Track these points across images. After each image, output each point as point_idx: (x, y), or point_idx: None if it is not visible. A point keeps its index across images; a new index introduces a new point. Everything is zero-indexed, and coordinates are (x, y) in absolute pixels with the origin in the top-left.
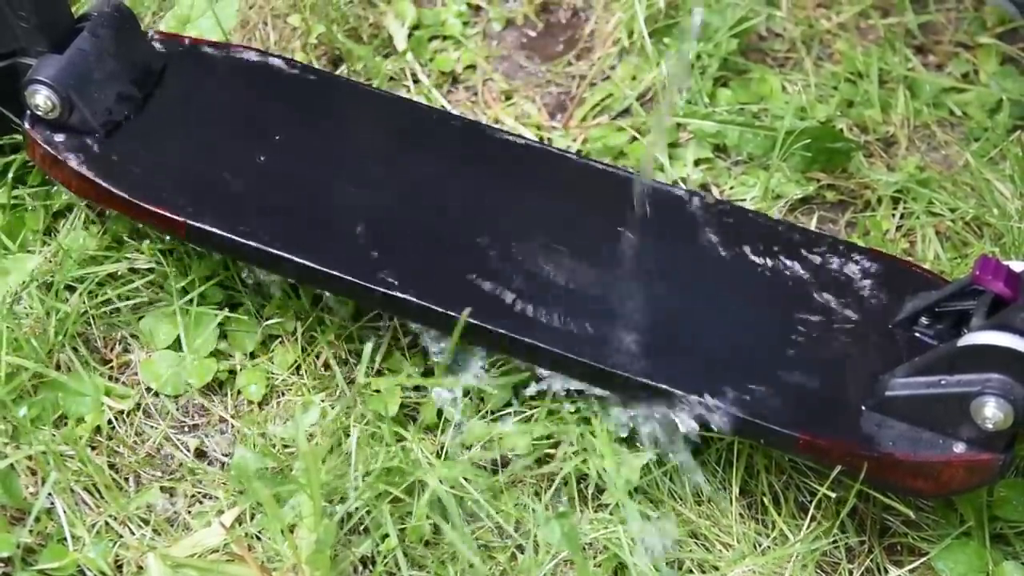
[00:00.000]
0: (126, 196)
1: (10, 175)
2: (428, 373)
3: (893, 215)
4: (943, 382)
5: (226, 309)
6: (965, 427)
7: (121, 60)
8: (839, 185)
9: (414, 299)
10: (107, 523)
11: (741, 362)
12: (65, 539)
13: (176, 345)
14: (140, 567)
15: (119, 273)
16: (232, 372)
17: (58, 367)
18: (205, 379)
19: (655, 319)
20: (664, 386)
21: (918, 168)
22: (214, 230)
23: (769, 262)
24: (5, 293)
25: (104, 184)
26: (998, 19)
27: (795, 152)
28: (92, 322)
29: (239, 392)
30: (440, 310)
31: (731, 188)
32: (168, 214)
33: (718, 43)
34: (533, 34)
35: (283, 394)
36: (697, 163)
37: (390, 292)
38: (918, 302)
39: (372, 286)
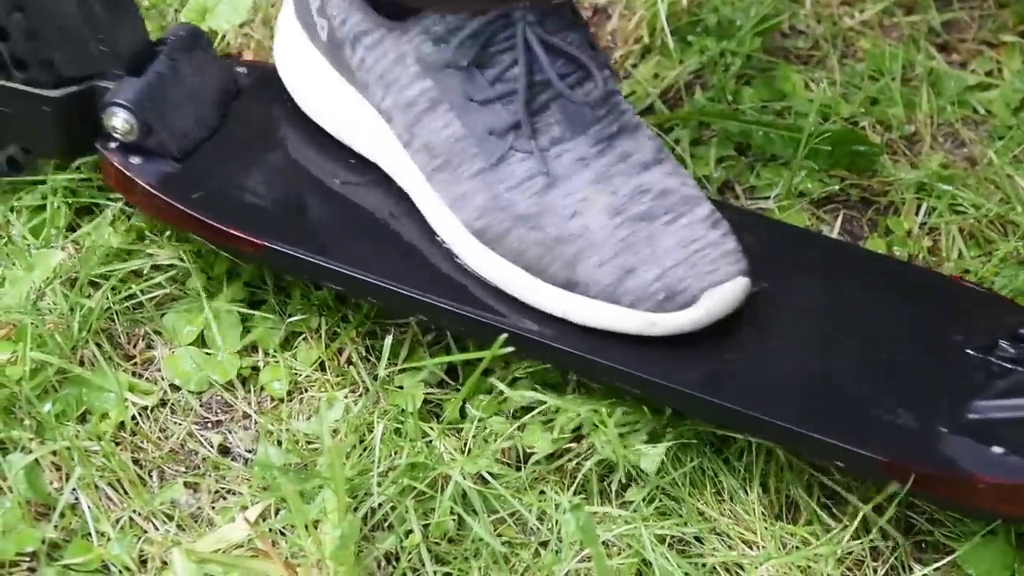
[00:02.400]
0: (202, 218)
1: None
2: (451, 370)
3: (917, 213)
4: None
5: (249, 306)
6: None
7: (197, 83)
8: (862, 183)
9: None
10: (131, 519)
11: (825, 386)
12: (90, 534)
13: (199, 341)
14: (164, 562)
15: (143, 271)
16: (255, 368)
17: (82, 363)
18: (228, 375)
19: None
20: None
21: (942, 166)
22: (291, 252)
23: (853, 289)
24: (29, 289)
25: (179, 206)
26: (1021, 17)
27: (818, 149)
28: (116, 318)
29: (262, 388)
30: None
31: (753, 186)
32: (245, 236)
33: (741, 41)
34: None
35: (306, 390)
36: (720, 160)
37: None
38: (998, 327)
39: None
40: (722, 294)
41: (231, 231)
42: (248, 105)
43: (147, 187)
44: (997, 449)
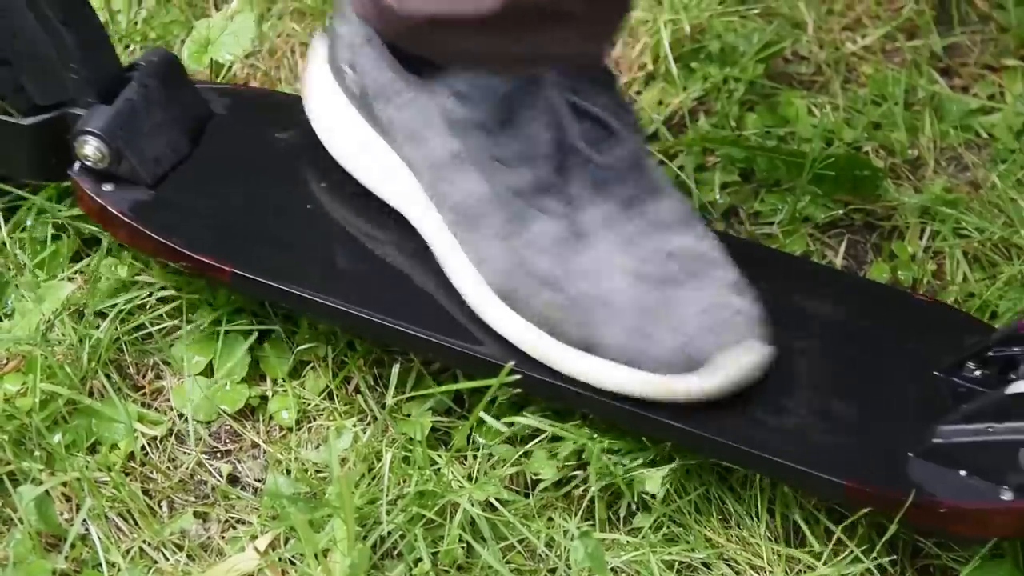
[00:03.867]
0: (172, 245)
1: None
2: (458, 397)
3: (921, 237)
4: (991, 429)
5: (257, 336)
6: (1014, 474)
7: (169, 109)
8: (866, 208)
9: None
10: (141, 549)
11: (788, 408)
12: (100, 565)
13: (208, 371)
14: None
15: (148, 303)
16: (264, 398)
17: (91, 394)
18: (237, 405)
19: None
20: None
21: (945, 190)
22: (260, 279)
23: (818, 308)
24: (39, 320)
25: (150, 233)
26: (1022, 41)
27: (822, 174)
28: (124, 348)
29: (271, 417)
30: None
31: (758, 212)
32: (214, 263)
33: (744, 67)
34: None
35: (315, 419)
36: (724, 186)
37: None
38: (965, 348)
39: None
40: (744, 365)
41: (200, 258)
42: (220, 129)
43: (118, 214)
44: (961, 473)
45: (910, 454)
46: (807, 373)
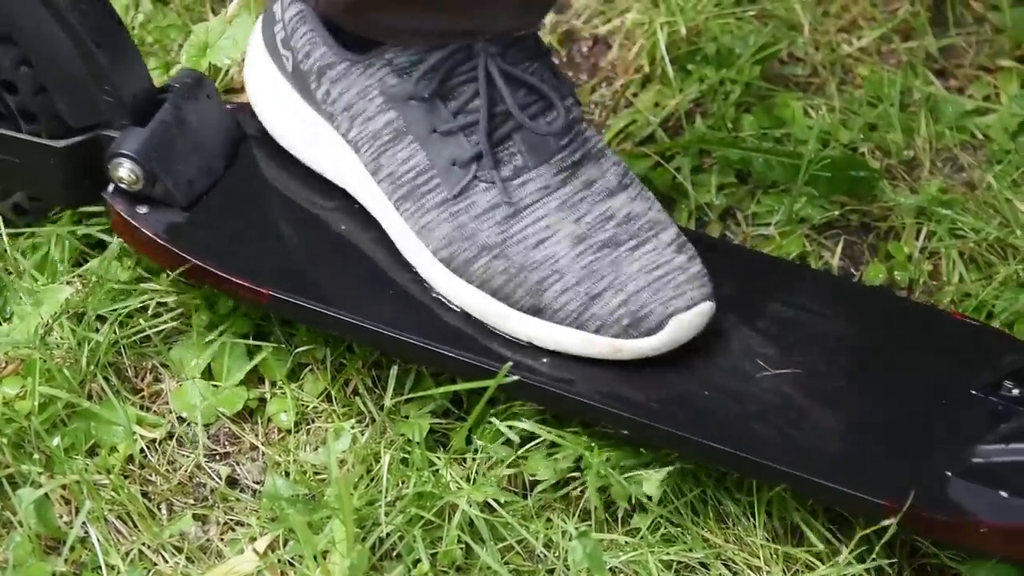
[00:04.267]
0: (208, 268)
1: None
2: (456, 399)
3: (917, 238)
4: None
5: (255, 338)
6: None
7: (202, 131)
8: (863, 208)
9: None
10: (141, 551)
11: (827, 428)
12: (100, 567)
13: (207, 374)
14: None
15: (148, 307)
16: (262, 400)
17: (90, 397)
18: (236, 407)
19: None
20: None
21: (941, 190)
22: (296, 301)
23: (852, 329)
24: (38, 324)
25: (185, 255)
26: (1017, 42)
27: (818, 175)
28: (123, 352)
29: (269, 420)
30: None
31: (754, 213)
32: (250, 285)
33: (740, 69)
34: (556, 63)
35: (313, 421)
36: (721, 188)
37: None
38: (1002, 367)
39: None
40: (686, 319)
41: (237, 280)
42: (253, 150)
43: (153, 237)
44: (1002, 493)
45: (949, 473)
46: (844, 392)
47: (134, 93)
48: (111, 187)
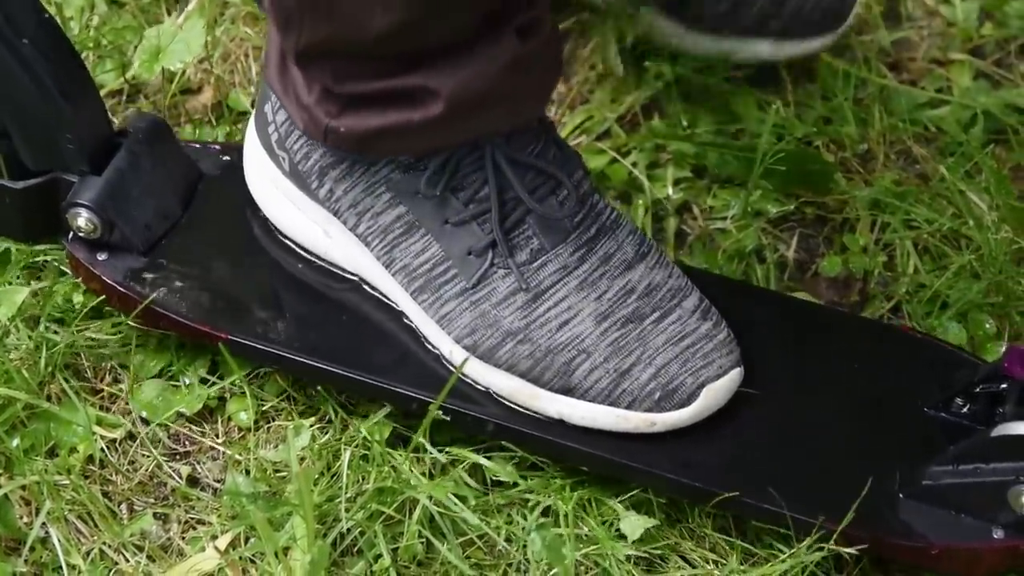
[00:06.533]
0: (167, 313)
1: None
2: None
3: (872, 229)
4: (979, 470)
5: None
6: (1004, 513)
7: (158, 174)
8: (818, 201)
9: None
10: (102, 551)
11: (777, 450)
12: (61, 568)
13: (166, 374)
14: None
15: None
16: (222, 399)
17: (49, 398)
18: (195, 407)
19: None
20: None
21: (895, 183)
22: (255, 345)
23: (802, 346)
24: None
25: (145, 303)
26: (969, 35)
27: (773, 169)
28: (81, 353)
29: (229, 419)
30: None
31: (711, 207)
32: (207, 330)
33: (696, 65)
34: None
35: (273, 419)
36: (677, 182)
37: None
38: (953, 383)
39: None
40: (717, 388)
41: (195, 326)
42: (210, 190)
43: (114, 284)
44: (951, 512)
45: (901, 495)
46: (795, 412)
47: (94, 138)
48: (70, 235)
